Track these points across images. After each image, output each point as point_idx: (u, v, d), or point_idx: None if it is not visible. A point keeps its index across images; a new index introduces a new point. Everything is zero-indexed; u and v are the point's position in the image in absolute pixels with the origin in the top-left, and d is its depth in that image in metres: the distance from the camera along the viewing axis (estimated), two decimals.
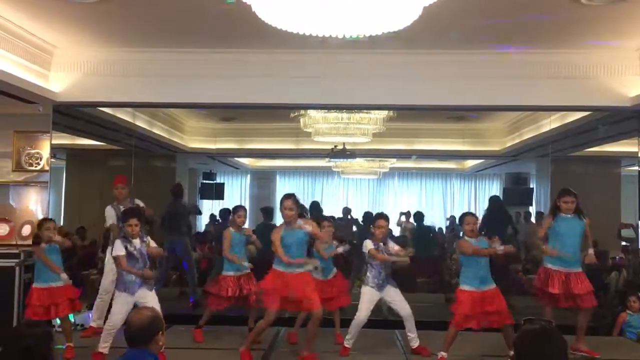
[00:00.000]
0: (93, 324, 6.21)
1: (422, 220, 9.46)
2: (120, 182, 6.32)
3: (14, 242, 7.00)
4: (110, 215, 6.22)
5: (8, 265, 6.23)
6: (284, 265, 5.17)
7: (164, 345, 2.94)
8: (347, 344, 5.61)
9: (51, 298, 5.42)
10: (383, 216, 5.82)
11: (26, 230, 7.23)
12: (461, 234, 11.07)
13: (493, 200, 9.72)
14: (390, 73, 6.69)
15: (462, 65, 6.60)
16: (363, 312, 5.56)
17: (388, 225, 5.79)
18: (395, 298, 5.64)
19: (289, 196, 5.30)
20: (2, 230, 7.30)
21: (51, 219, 5.80)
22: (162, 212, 8.26)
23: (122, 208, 5.99)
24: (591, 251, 5.65)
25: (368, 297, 5.60)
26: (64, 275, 5.49)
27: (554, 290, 5.46)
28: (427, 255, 9.16)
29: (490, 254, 5.32)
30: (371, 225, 5.78)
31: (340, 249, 5.99)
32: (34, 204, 7.69)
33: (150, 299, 5.12)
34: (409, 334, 5.66)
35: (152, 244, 5.38)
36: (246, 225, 6.42)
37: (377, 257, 5.58)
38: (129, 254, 5.18)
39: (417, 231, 9.39)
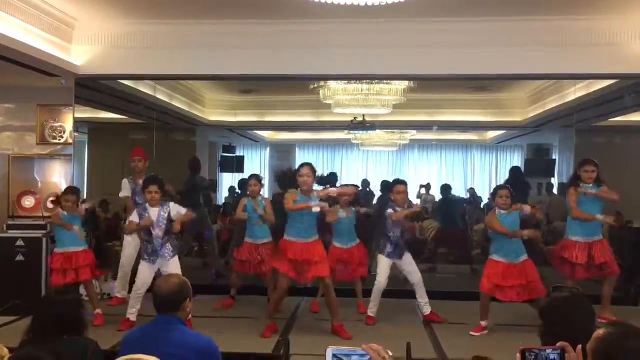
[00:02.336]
0: (118, 295, 6.34)
1: (449, 192, 9.43)
2: (137, 155, 6.33)
3: (40, 214, 7.11)
4: (125, 187, 6.28)
5: (35, 236, 6.35)
6: (295, 234, 5.25)
7: (192, 312, 2.98)
8: (371, 312, 5.73)
9: (70, 262, 5.57)
10: (400, 181, 5.91)
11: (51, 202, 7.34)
12: (482, 205, 11.10)
13: (514, 171, 9.64)
14: (411, 42, 6.59)
15: (482, 34, 6.48)
16: (382, 278, 5.73)
17: (406, 190, 5.87)
18: (408, 265, 5.80)
19: (306, 164, 5.36)
20: (28, 202, 7.43)
21: (75, 191, 5.88)
22: (182, 187, 8.32)
23: (139, 182, 5.99)
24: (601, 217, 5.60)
25: (384, 265, 5.77)
26: (76, 228, 5.59)
27: (578, 261, 5.45)
28: (454, 227, 9.20)
29: (516, 236, 5.34)
30: (390, 193, 5.87)
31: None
32: (58, 176, 7.80)
33: (171, 267, 5.22)
34: (420, 300, 5.82)
35: (180, 210, 5.43)
36: (266, 196, 6.47)
37: (392, 217, 5.68)
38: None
39: (444, 204, 9.35)
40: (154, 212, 5.38)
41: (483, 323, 5.39)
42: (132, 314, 5.37)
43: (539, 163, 10.17)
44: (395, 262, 5.79)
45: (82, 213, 5.80)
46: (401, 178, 6.17)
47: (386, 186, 8.34)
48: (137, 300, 5.38)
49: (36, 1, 5.96)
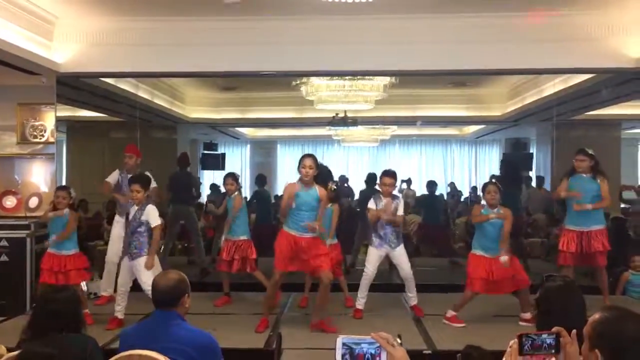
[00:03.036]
0: (104, 293, 6.32)
1: (435, 189, 9.57)
2: (128, 151, 6.40)
3: (23, 214, 7.03)
4: (113, 176, 6.36)
5: (19, 236, 6.30)
6: (295, 227, 5.19)
7: (190, 307, 3.00)
8: (359, 304, 5.74)
9: (60, 265, 5.53)
10: (389, 173, 5.85)
11: (33, 202, 7.25)
12: (461, 199, 11.21)
13: (506, 162, 9.83)
14: (391, 39, 6.61)
15: (463, 29, 6.54)
16: (369, 269, 5.77)
17: (395, 182, 5.85)
18: (399, 258, 5.80)
19: (309, 155, 5.30)
20: (9, 202, 7.33)
21: (64, 188, 5.87)
22: (166, 182, 8.24)
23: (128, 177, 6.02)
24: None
25: (372, 256, 5.81)
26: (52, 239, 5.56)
27: (564, 248, 5.60)
28: (437, 222, 9.38)
29: (489, 219, 5.42)
30: (378, 184, 5.92)
31: None
32: (39, 176, 7.70)
33: (140, 264, 5.25)
34: (408, 293, 5.89)
35: (151, 219, 5.37)
36: (246, 194, 6.52)
37: (368, 214, 5.73)
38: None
39: (429, 199, 9.49)
40: (132, 210, 5.47)
41: (453, 313, 5.43)
42: (119, 311, 5.36)
43: (516, 157, 10.34)
44: (388, 254, 5.80)
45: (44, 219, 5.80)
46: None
47: (371, 178, 8.44)
48: (122, 298, 5.37)
49: None
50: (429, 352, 4.61)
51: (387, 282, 6.95)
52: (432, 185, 9.48)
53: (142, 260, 5.25)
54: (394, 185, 5.85)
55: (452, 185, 11.21)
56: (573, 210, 5.68)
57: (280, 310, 5.99)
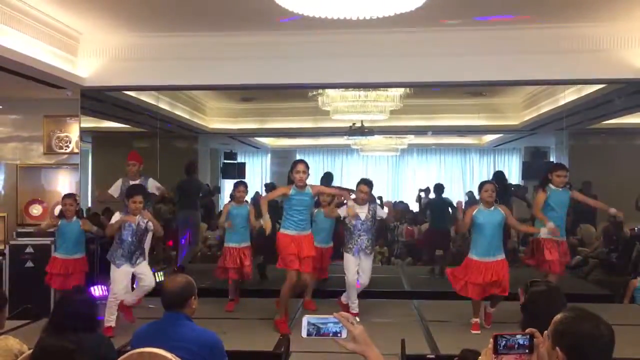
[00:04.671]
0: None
1: (441, 192, 9.55)
2: (131, 159, 6.46)
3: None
4: (117, 186, 6.44)
5: (44, 243, 6.57)
6: (292, 228, 5.46)
7: (196, 308, 3.19)
8: (354, 309, 5.79)
9: (66, 268, 5.79)
10: (364, 181, 5.94)
11: (58, 210, 7.51)
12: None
13: (496, 175, 9.86)
14: (406, 51, 6.79)
15: (476, 42, 6.69)
16: (349, 275, 5.84)
17: (369, 191, 5.89)
18: (362, 266, 5.87)
19: (301, 161, 5.58)
20: (36, 210, 7.64)
21: (70, 195, 6.15)
22: (175, 188, 8.65)
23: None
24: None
25: (347, 262, 5.88)
26: None
27: (549, 257, 5.62)
28: (444, 226, 9.27)
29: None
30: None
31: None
32: (64, 185, 8.00)
33: (143, 269, 5.57)
34: (350, 299, 5.87)
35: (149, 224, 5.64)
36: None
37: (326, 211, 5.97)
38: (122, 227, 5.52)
39: (435, 203, 9.49)
40: (134, 219, 5.58)
41: (475, 320, 5.49)
42: (110, 320, 5.43)
43: (536, 165, 10.33)
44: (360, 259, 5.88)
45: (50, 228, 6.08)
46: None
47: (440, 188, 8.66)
48: (115, 307, 5.48)
49: (42, 16, 6.18)
50: (432, 356, 4.71)
51: (396, 289, 7.04)
52: (438, 188, 9.37)
53: (144, 264, 5.53)
54: (369, 194, 5.92)
55: (469, 194, 11.23)
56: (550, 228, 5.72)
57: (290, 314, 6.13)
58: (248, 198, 6.85)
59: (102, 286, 6.96)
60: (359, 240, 5.84)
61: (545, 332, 2.04)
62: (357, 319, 1.94)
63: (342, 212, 5.85)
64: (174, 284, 3.13)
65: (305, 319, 1.94)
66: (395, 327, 5.60)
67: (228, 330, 4.99)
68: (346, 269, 5.89)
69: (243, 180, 6.89)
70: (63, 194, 6.39)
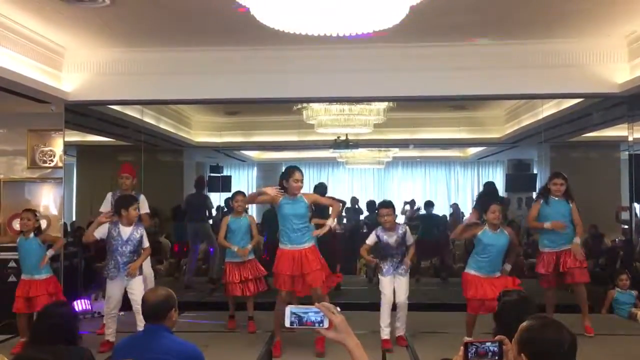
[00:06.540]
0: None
1: (431, 208, 9.76)
2: (125, 172, 6.23)
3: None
4: (107, 201, 6.19)
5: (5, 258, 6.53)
6: (289, 242, 5.16)
7: (177, 320, 3.23)
8: (400, 332, 5.61)
9: (31, 290, 5.54)
10: (383, 204, 5.69)
11: (42, 225, 7.50)
12: (463, 220, 11.34)
13: (488, 185, 10.01)
14: (388, 66, 6.86)
15: (456, 57, 6.78)
16: (385, 296, 5.57)
17: (392, 212, 5.63)
18: (399, 285, 5.60)
19: (298, 169, 5.24)
20: (18, 225, 7.58)
21: (30, 210, 5.97)
22: (184, 202, 9.31)
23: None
24: (577, 240, 5.64)
25: (385, 283, 5.62)
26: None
27: (542, 271, 5.64)
28: (433, 238, 9.51)
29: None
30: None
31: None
32: (48, 199, 7.99)
33: (136, 282, 5.43)
34: (397, 322, 5.64)
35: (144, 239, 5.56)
36: (252, 213, 6.58)
37: (362, 256, 5.69)
38: (111, 236, 5.40)
39: (425, 218, 9.64)
40: (125, 231, 5.42)
41: (466, 338, 5.49)
42: (109, 334, 5.34)
43: (520, 177, 10.47)
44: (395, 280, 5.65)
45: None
46: (387, 197, 5.97)
47: (371, 205, 8.65)
48: (112, 321, 5.36)
49: (26, 31, 6.19)
50: None
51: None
52: (428, 205, 9.75)
53: (137, 280, 5.40)
54: (393, 215, 5.66)
55: (454, 206, 11.36)
56: (545, 233, 5.74)
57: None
58: None
59: (86, 300, 6.97)
60: (388, 263, 5.57)
61: (514, 339, 2.11)
62: (339, 309, 2.01)
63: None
64: (155, 297, 3.17)
65: (287, 309, 2.01)
66: (377, 339, 5.58)
67: (210, 344, 5.01)
68: (382, 288, 5.57)
69: (241, 190, 6.66)
70: (22, 209, 6.14)
